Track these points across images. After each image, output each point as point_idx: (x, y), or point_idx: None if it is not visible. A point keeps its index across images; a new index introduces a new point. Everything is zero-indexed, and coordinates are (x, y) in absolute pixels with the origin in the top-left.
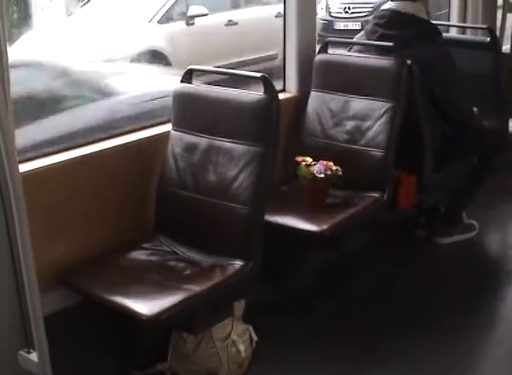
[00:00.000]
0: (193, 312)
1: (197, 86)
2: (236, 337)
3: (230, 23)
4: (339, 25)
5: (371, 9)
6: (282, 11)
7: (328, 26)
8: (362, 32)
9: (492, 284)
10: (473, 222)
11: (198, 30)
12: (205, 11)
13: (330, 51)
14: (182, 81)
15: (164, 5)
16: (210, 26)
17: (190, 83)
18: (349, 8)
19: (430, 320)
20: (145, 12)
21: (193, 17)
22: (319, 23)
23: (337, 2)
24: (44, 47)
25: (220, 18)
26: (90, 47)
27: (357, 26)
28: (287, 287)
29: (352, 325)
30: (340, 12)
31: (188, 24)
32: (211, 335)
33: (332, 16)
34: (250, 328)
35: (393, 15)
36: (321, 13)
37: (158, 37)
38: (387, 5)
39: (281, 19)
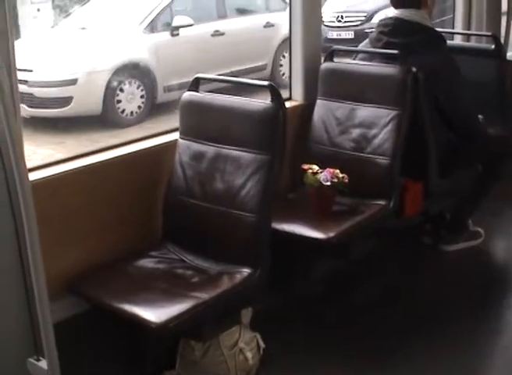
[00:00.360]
0: (201, 319)
1: (204, 94)
2: (243, 344)
3: (217, 34)
4: (332, 34)
5: (364, 18)
6: (271, 20)
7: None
8: (367, 40)
9: (498, 291)
10: (479, 229)
11: (183, 41)
12: (190, 21)
13: (335, 59)
14: (189, 89)
15: (148, 16)
16: (195, 36)
17: (197, 91)
18: (342, 17)
19: (436, 327)
20: (129, 23)
21: (177, 28)
22: None
23: (330, 11)
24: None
25: (206, 28)
26: (72, 59)
27: (350, 35)
28: (294, 294)
29: (358, 332)
30: (333, 21)
31: (173, 35)
32: (219, 343)
33: (324, 25)
34: (258, 336)
35: (398, 23)
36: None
37: (142, 49)
38: (391, 13)
39: (270, 29)
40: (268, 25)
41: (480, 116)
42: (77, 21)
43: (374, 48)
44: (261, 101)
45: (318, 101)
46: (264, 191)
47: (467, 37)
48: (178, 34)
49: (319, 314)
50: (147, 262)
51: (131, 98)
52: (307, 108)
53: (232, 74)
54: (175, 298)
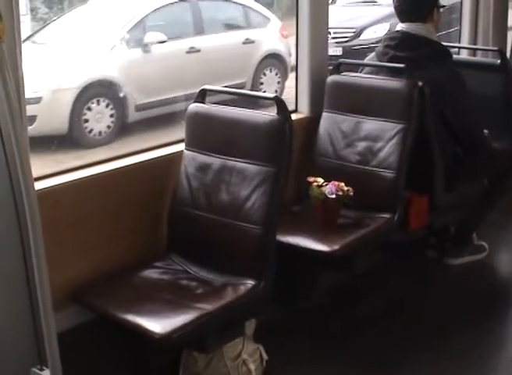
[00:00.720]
0: (204, 331)
1: (211, 106)
2: (246, 356)
3: (192, 50)
4: None
5: (352, 35)
6: (250, 37)
7: None
8: (373, 53)
9: (503, 305)
10: (483, 243)
11: (156, 58)
12: (163, 37)
13: None
14: (195, 101)
15: (119, 32)
16: (169, 53)
17: (204, 103)
18: (329, 33)
19: (440, 340)
20: (98, 39)
21: (150, 44)
22: None
23: None
24: None
25: (181, 45)
26: (37, 76)
27: (338, 52)
28: (298, 306)
29: (362, 345)
30: None
31: (145, 52)
32: (222, 354)
33: None
34: (261, 347)
35: (404, 36)
36: None
37: (112, 66)
38: (398, 27)
39: (249, 46)
40: (248, 41)
41: (485, 131)
42: (46, 36)
43: (380, 61)
44: (267, 114)
45: (324, 114)
46: (270, 203)
47: (473, 51)
48: (150, 51)
49: (323, 326)
50: (151, 273)
51: (99, 118)
52: (313, 120)
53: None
54: (179, 309)
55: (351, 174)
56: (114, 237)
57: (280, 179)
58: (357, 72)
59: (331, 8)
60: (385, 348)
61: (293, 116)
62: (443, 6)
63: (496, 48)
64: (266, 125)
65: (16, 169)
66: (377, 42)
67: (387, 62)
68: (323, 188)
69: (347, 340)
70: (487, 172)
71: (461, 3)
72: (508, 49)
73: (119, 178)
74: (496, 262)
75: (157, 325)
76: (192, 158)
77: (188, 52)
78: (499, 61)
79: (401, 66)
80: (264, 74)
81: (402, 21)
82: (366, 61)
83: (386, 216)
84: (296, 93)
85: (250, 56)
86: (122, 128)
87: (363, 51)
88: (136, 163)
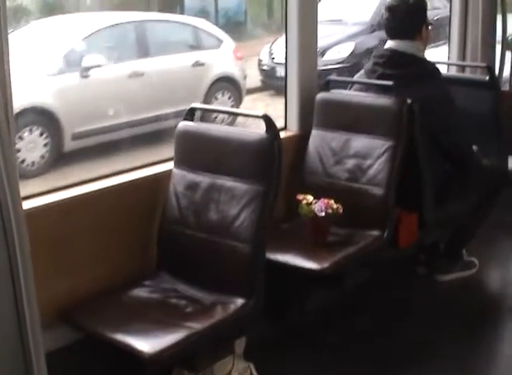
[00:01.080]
0: (194, 349)
1: (199, 124)
2: (237, 374)
3: (135, 74)
4: (282, 72)
5: None
6: (201, 59)
7: (271, 72)
8: (362, 71)
9: (493, 321)
10: (473, 259)
11: (95, 83)
12: (102, 61)
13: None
14: (184, 119)
15: (55, 55)
16: (109, 78)
17: (192, 121)
18: None
19: (430, 357)
20: (32, 63)
21: (88, 68)
22: (262, 69)
23: (281, 49)
24: None
25: (123, 68)
26: None
27: None
28: (288, 324)
29: (353, 361)
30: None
31: (83, 76)
32: (213, 372)
33: (275, 63)
34: (251, 365)
35: (393, 54)
36: (264, 60)
37: (45, 92)
38: (387, 44)
39: (199, 69)
40: (198, 64)
41: (475, 147)
42: None
43: (369, 79)
44: (255, 132)
45: (313, 132)
46: (259, 222)
47: (462, 67)
48: (88, 76)
49: (313, 344)
50: (140, 292)
51: (32, 147)
52: (302, 138)
53: (155, 119)
54: (168, 328)
55: (341, 192)
56: (103, 255)
57: (269, 197)
58: (346, 89)
59: None
60: (376, 364)
61: (283, 134)
62: (432, 24)
63: (484, 65)
64: (255, 143)
65: (4, 188)
66: (339, 63)
67: (376, 79)
68: (312, 206)
69: (338, 357)
70: (477, 188)
71: (450, 19)
72: (497, 66)
73: (107, 197)
74: (486, 277)
75: (146, 344)
76: (181, 177)
77: (130, 76)
78: (487, 77)
79: (390, 83)
80: (216, 98)
81: (391, 38)
82: (355, 78)
83: (376, 233)
84: (285, 110)
85: (199, 80)
86: (58, 158)
87: (325, 74)
88: (125, 182)
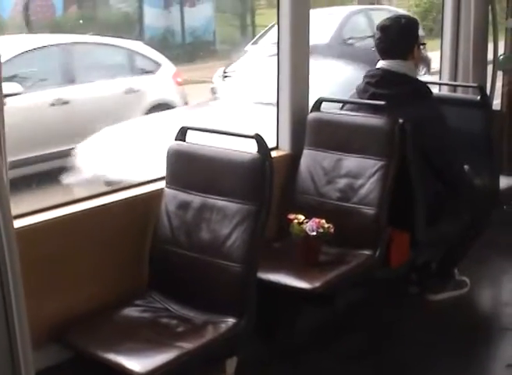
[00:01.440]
0: (185, 369)
1: (191, 144)
2: None
3: (58, 103)
4: None
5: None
6: (134, 86)
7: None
8: (354, 91)
9: (484, 340)
10: (464, 278)
11: (11, 113)
12: (19, 89)
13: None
14: (176, 139)
15: None
16: (28, 107)
17: (184, 141)
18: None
19: None
20: None
21: (3, 97)
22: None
23: (238, 72)
24: None
25: (44, 96)
26: None
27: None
28: (280, 343)
29: None
30: None
31: None
32: None
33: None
34: None
35: (384, 74)
36: (216, 84)
37: None
38: (379, 64)
39: (132, 96)
40: (131, 91)
41: (466, 166)
42: None
43: (361, 98)
44: (247, 152)
45: (305, 151)
46: (250, 242)
47: (454, 87)
48: (4, 104)
49: (305, 363)
50: (132, 311)
51: None
52: (294, 157)
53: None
54: (159, 348)
55: (332, 211)
56: (94, 275)
57: (261, 217)
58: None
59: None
60: None
61: (274, 154)
62: (424, 44)
63: (475, 85)
64: (247, 163)
65: None
66: None
67: (368, 99)
68: (304, 225)
69: None
70: (468, 208)
71: (441, 39)
72: (488, 86)
73: (99, 216)
74: (478, 297)
75: (137, 364)
76: (172, 196)
77: (53, 105)
78: (479, 97)
79: (382, 103)
80: None
81: (383, 58)
82: (347, 98)
83: (368, 252)
84: (277, 130)
85: (132, 108)
86: None
87: None
88: (116, 201)
